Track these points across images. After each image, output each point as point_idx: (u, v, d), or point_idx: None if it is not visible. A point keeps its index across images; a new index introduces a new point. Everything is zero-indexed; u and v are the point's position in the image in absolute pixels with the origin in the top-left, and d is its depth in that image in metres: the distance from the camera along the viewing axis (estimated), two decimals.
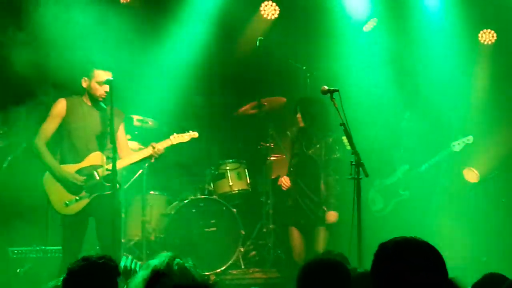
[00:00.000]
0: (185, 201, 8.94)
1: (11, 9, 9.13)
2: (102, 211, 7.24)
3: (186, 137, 7.81)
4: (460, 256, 8.29)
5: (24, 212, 8.92)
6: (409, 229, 3.04)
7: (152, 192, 9.38)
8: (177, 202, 9.17)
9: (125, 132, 7.85)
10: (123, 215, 8.48)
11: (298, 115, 8.26)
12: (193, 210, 8.90)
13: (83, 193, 7.32)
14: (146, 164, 8.91)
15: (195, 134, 7.92)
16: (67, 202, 7.29)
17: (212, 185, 9.28)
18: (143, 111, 9.18)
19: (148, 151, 7.54)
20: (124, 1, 10.15)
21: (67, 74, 8.50)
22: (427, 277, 2.80)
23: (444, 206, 9.19)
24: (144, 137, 8.95)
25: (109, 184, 7.27)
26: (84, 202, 7.33)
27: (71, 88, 8.28)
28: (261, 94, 9.79)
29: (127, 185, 8.96)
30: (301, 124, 8.27)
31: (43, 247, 8.72)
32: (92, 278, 3.69)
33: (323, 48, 10.12)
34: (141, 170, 9.10)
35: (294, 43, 10.50)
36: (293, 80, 10.50)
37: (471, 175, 9.40)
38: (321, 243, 8.09)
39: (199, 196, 9.07)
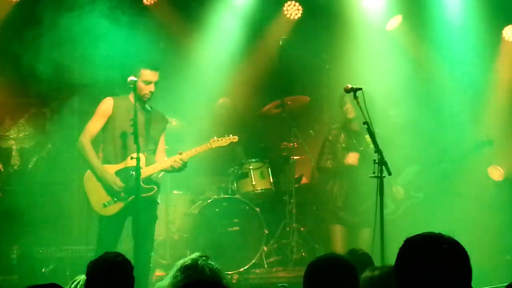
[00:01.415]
0: (209, 201, 8.94)
1: (32, 11, 9.18)
2: (139, 213, 6.97)
3: (225, 141, 7.64)
4: (484, 255, 8.20)
5: (48, 213, 9.01)
6: (428, 229, 3.00)
7: (175, 192, 9.42)
8: (200, 201, 9.18)
9: None
10: None
11: (347, 106, 8.19)
12: (217, 210, 8.87)
13: (122, 195, 7.19)
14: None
15: (235, 138, 7.71)
16: (106, 203, 7.19)
17: (235, 184, 9.26)
18: (167, 111, 9.20)
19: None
20: (148, 3, 10.20)
21: (91, 77, 8.56)
22: (452, 272, 2.79)
23: (467, 205, 9.05)
24: (167, 137, 8.98)
25: (148, 186, 7.24)
26: (122, 203, 7.20)
27: (94, 91, 8.35)
28: (284, 93, 9.78)
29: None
30: (350, 115, 8.18)
31: (68, 247, 8.80)
32: (107, 276, 3.76)
33: (346, 47, 10.10)
34: None
35: (317, 42, 10.49)
36: (316, 79, 10.51)
37: (496, 173, 9.29)
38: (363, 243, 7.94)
39: (222, 196, 9.05)
